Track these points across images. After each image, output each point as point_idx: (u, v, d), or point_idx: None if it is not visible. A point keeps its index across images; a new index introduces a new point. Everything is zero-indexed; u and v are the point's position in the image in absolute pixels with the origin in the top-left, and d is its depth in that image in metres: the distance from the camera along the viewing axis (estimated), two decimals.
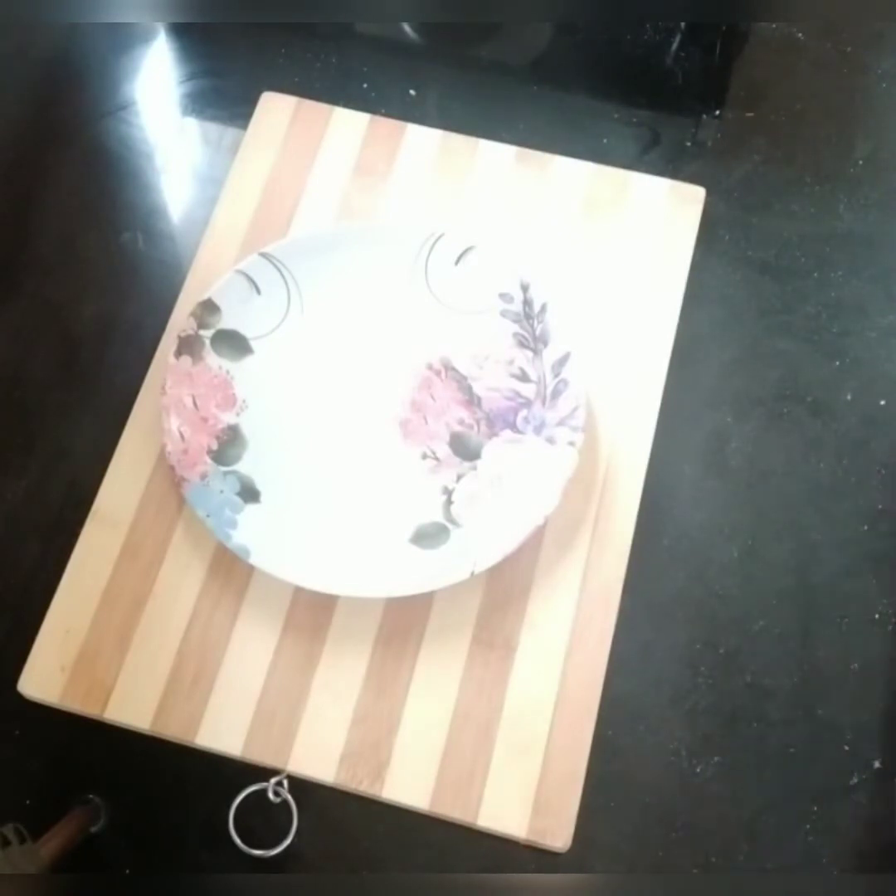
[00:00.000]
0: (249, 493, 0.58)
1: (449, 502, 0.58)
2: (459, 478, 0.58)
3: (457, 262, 0.61)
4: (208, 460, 0.58)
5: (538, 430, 0.58)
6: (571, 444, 0.56)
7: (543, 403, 0.59)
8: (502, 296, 0.61)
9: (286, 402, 0.60)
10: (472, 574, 0.54)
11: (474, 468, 0.58)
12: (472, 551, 0.55)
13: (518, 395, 0.59)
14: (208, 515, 0.56)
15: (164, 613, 0.56)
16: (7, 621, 0.57)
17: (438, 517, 0.57)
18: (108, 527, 0.58)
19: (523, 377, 0.60)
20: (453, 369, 0.60)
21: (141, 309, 0.64)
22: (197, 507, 0.56)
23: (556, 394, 0.58)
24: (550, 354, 0.59)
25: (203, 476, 0.57)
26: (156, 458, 0.59)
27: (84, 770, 0.55)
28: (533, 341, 0.60)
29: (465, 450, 0.59)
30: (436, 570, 0.55)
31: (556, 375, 0.59)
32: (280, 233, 0.64)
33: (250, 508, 0.57)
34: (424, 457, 0.59)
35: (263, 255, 0.61)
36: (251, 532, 0.56)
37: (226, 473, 0.58)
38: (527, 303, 0.60)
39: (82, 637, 0.55)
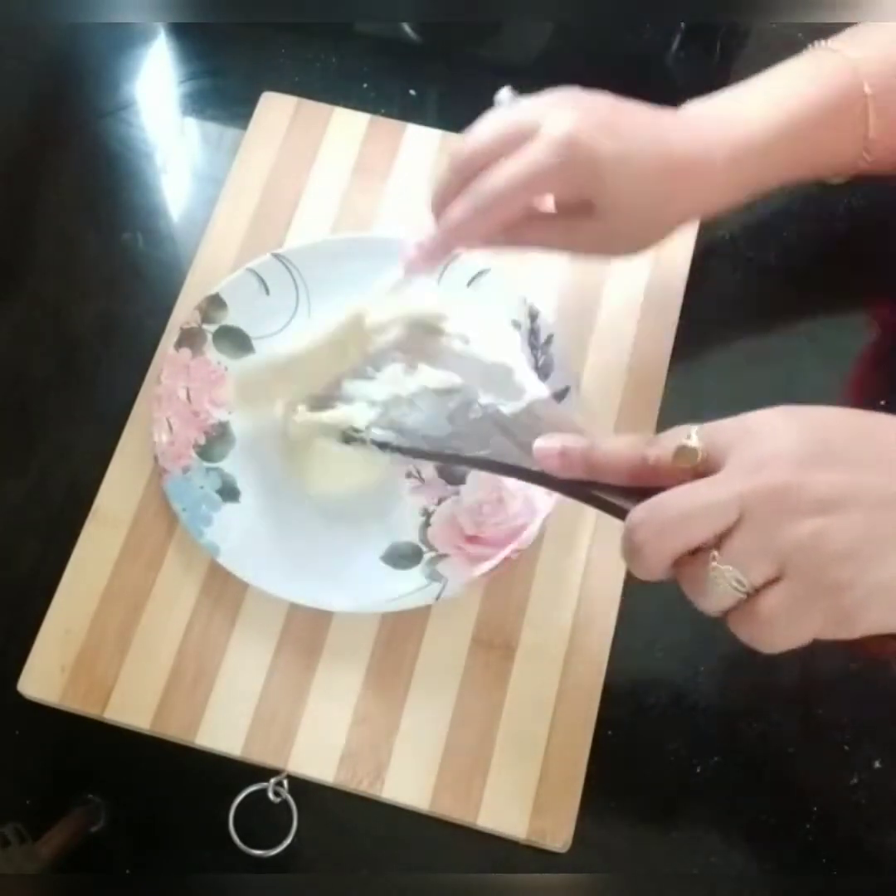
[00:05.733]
0: (229, 492, 0.58)
1: (427, 524, 0.57)
2: (440, 501, 0.58)
3: (469, 283, 0.61)
4: (193, 455, 0.58)
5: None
6: None
7: None
8: (513, 323, 0.60)
9: (279, 404, 0.59)
10: (438, 599, 0.54)
11: (457, 493, 0.58)
12: (441, 576, 0.55)
13: None
14: (184, 509, 0.56)
15: (164, 613, 0.56)
16: (7, 621, 0.57)
17: (414, 538, 0.57)
18: (108, 527, 0.58)
19: None
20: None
21: (141, 309, 0.64)
22: (174, 499, 0.56)
23: None
24: (549, 386, 0.59)
25: (185, 469, 0.57)
26: (156, 458, 0.59)
27: (84, 770, 0.55)
28: (535, 371, 0.59)
29: (450, 473, 0.58)
30: (402, 590, 0.55)
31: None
32: (280, 233, 0.64)
33: (228, 507, 0.57)
34: (409, 475, 0.58)
35: (277, 256, 0.61)
36: (224, 531, 0.56)
37: (208, 469, 0.58)
38: (533, 332, 0.60)
39: (82, 637, 0.55)
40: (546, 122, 0.49)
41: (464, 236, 0.51)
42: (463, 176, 0.51)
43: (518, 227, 0.52)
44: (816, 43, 0.56)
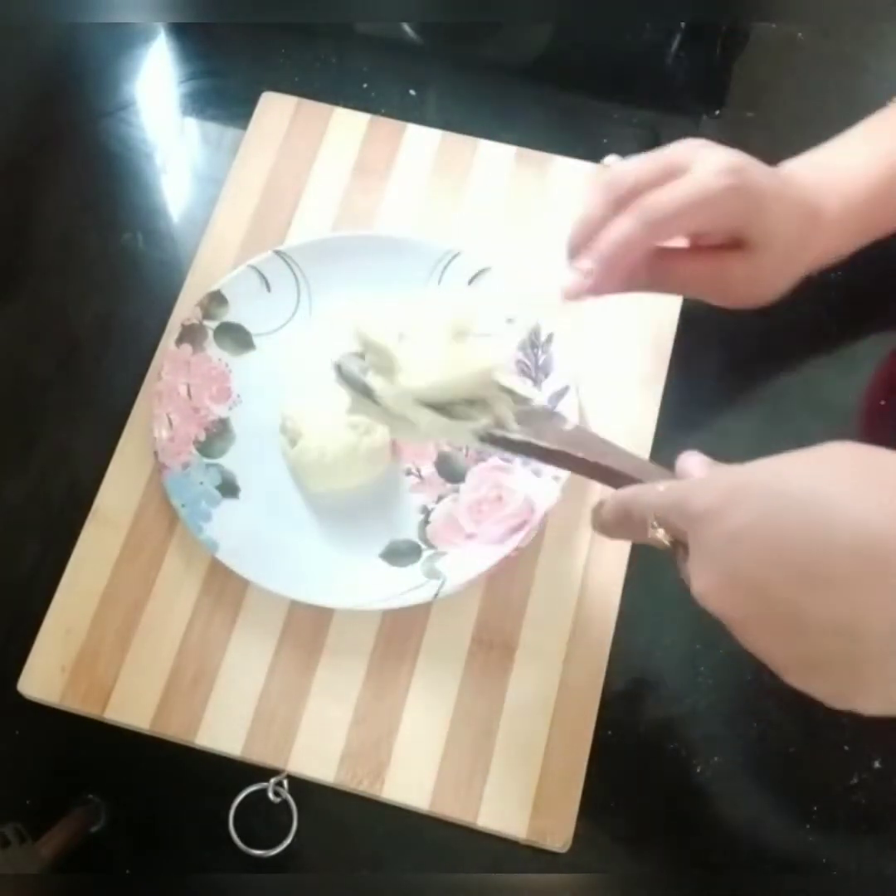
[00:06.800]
0: (229, 488, 0.58)
1: (425, 522, 0.57)
2: (440, 499, 0.58)
3: (470, 281, 0.61)
4: (193, 451, 0.58)
5: (526, 460, 0.57)
6: (556, 478, 0.56)
7: None
8: (510, 321, 0.60)
9: (280, 401, 0.59)
10: (437, 597, 0.54)
11: (456, 491, 0.58)
12: (439, 574, 0.55)
13: None
14: (183, 505, 0.56)
15: (164, 613, 0.56)
16: (7, 621, 0.57)
17: (412, 536, 0.57)
18: (108, 527, 0.58)
19: None
20: None
21: (141, 309, 0.64)
22: (173, 495, 0.56)
23: None
24: (549, 386, 0.59)
25: (185, 465, 0.57)
26: (155, 455, 0.59)
27: (84, 770, 0.55)
28: (534, 371, 0.59)
29: (450, 471, 0.58)
30: (401, 587, 0.55)
31: (553, 408, 0.58)
32: (280, 232, 0.64)
33: (227, 504, 0.57)
34: (408, 473, 0.58)
35: (279, 252, 0.61)
36: (223, 527, 0.56)
37: (208, 465, 0.58)
38: (534, 331, 0.60)
39: (82, 637, 0.55)
40: (701, 156, 0.50)
41: (627, 253, 0.50)
42: (617, 204, 0.51)
43: (669, 263, 0.53)
44: None
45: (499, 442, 0.47)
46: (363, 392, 0.50)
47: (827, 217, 0.53)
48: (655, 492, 0.42)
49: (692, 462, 0.44)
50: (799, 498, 0.36)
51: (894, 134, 0.55)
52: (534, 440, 0.47)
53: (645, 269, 0.53)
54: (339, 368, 0.51)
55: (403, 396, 0.48)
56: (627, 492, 0.44)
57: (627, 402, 0.60)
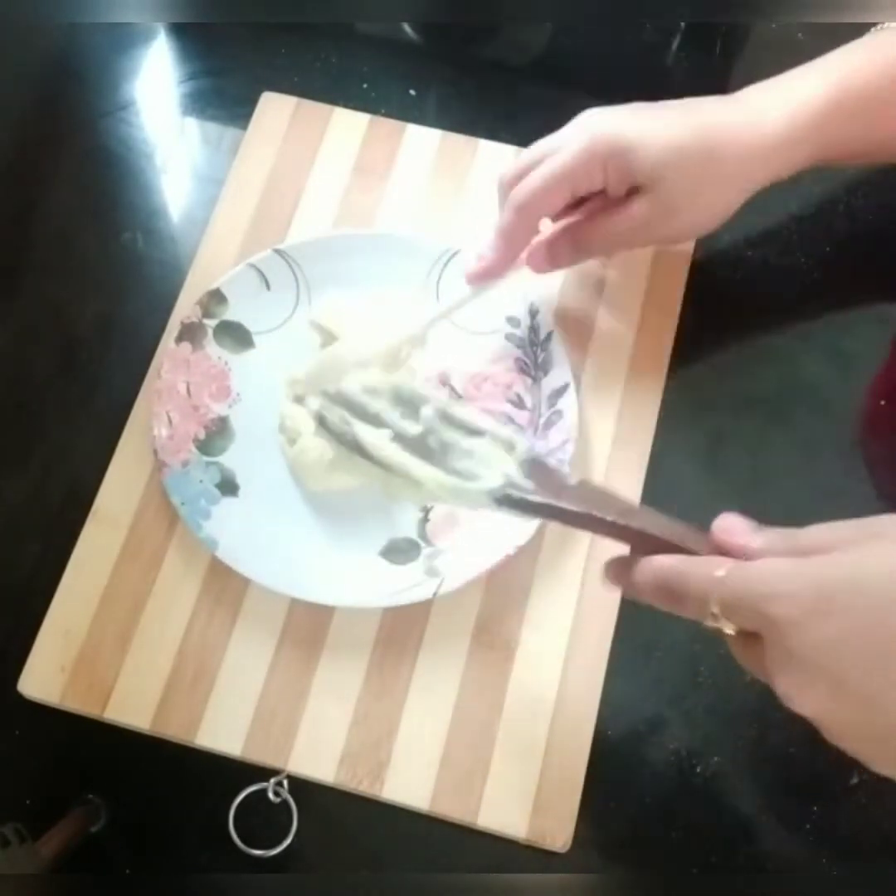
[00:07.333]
0: (228, 486, 0.58)
1: (425, 520, 0.57)
2: None
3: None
4: (193, 449, 0.58)
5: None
6: None
7: (535, 432, 0.58)
8: (509, 319, 0.60)
9: (279, 400, 0.59)
10: (436, 595, 0.54)
11: None
12: (439, 572, 0.55)
13: (511, 420, 0.59)
14: (183, 503, 0.56)
15: (164, 613, 0.56)
16: (7, 621, 0.57)
17: (412, 534, 0.57)
18: (108, 527, 0.58)
19: (519, 403, 0.59)
20: (450, 387, 0.60)
21: (141, 309, 0.64)
22: (173, 493, 0.56)
23: (548, 424, 0.58)
24: (549, 384, 0.59)
25: (185, 463, 0.57)
26: (155, 453, 0.59)
27: (84, 770, 0.55)
28: (534, 369, 0.60)
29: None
30: (400, 585, 0.55)
31: (552, 406, 0.58)
32: (280, 232, 0.64)
33: (226, 501, 0.57)
34: None
35: (278, 251, 0.61)
36: (223, 525, 0.56)
37: (208, 464, 0.58)
38: (533, 329, 0.60)
39: (82, 637, 0.55)
40: (567, 129, 0.53)
41: (517, 239, 0.55)
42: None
43: (582, 234, 0.55)
44: (881, 25, 0.56)
45: (517, 504, 0.44)
46: (352, 447, 0.47)
47: (763, 139, 0.52)
48: (713, 576, 0.39)
49: (733, 525, 0.41)
50: None
51: (850, 62, 0.54)
52: (555, 502, 0.43)
53: (566, 243, 0.55)
54: (321, 420, 0.49)
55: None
56: (672, 564, 0.40)
57: (627, 402, 0.60)
